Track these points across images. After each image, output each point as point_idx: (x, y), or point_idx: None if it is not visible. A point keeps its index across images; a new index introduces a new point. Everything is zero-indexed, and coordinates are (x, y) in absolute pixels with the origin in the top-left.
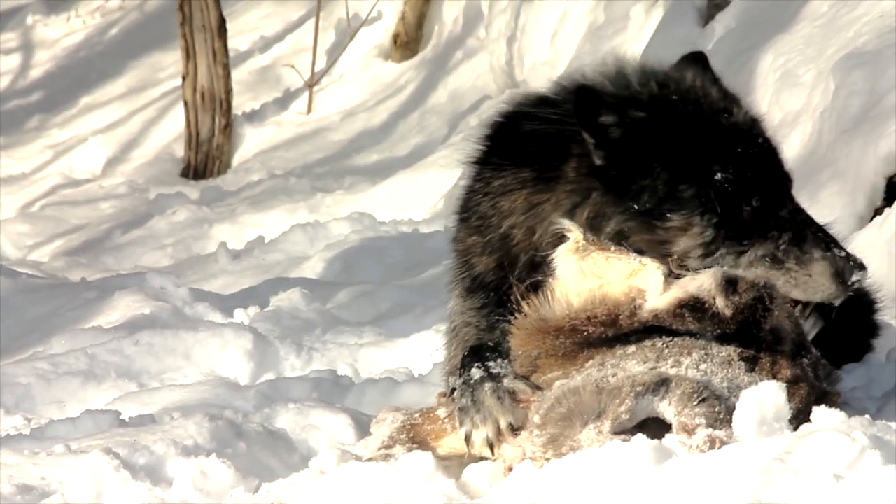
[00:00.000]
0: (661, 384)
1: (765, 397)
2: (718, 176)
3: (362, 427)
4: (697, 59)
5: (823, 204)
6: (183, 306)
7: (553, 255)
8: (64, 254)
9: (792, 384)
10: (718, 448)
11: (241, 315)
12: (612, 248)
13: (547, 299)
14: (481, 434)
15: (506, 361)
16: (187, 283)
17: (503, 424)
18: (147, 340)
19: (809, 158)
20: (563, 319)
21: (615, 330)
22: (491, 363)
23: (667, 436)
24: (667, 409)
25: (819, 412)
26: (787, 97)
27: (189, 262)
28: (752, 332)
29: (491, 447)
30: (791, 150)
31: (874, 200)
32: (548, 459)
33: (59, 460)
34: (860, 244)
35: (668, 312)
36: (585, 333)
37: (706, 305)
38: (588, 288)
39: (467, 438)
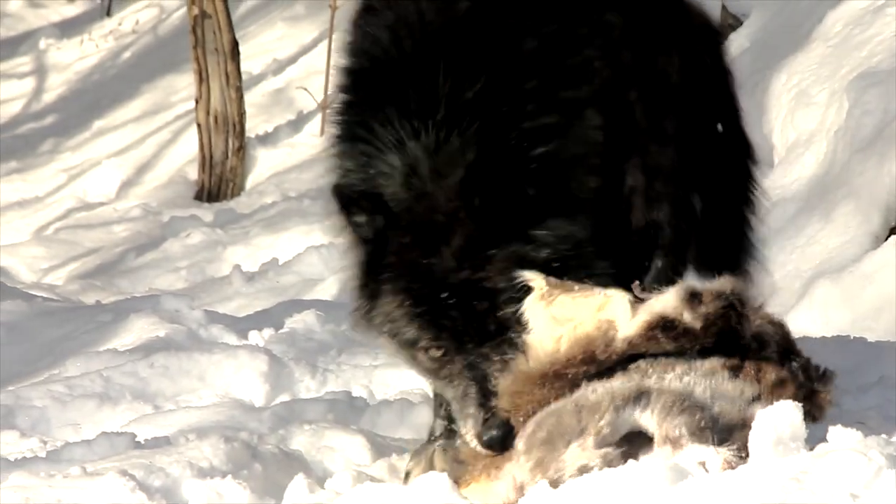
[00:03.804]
0: (641, 396)
1: (781, 417)
2: None
3: (378, 448)
4: None
5: (838, 223)
6: (198, 328)
7: (522, 309)
8: (78, 277)
9: (777, 386)
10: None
11: (255, 337)
12: (577, 288)
13: (525, 355)
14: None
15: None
16: (202, 306)
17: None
18: (162, 363)
19: (824, 178)
20: (546, 366)
21: (596, 366)
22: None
23: (685, 451)
24: (649, 420)
25: (835, 431)
26: (801, 117)
27: (203, 285)
28: (732, 342)
29: None
30: (805, 169)
31: (889, 219)
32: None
33: (75, 482)
34: (875, 263)
35: (641, 337)
36: (569, 376)
37: (676, 323)
38: (565, 333)
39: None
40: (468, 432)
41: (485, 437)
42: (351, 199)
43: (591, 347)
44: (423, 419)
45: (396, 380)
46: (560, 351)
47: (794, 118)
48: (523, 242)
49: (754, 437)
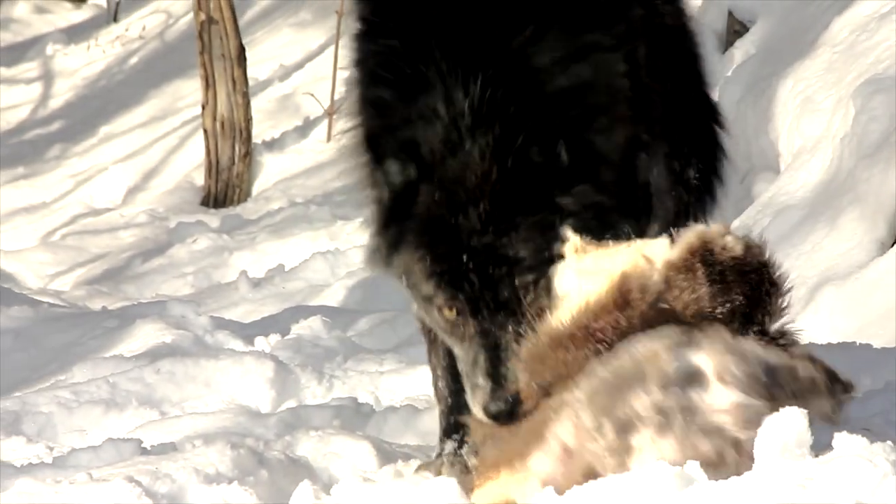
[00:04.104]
0: (686, 335)
1: (787, 423)
2: None
3: (384, 454)
4: None
5: (844, 230)
6: (204, 334)
7: (553, 271)
8: (85, 283)
9: (807, 359)
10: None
11: (262, 343)
12: (612, 244)
13: (553, 317)
14: None
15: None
16: (208, 312)
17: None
18: (168, 369)
19: (830, 184)
20: (574, 325)
21: (628, 312)
22: (466, 438)
23: (689, 463)
24: (702, 358)
25: (841, 437)
26: (807, 123)
27: (210, 291)
28: (760, 316)
29: None
30: (811, 175)
31: (895, 226)
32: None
33: (82, 489)
34: (881, 269)
35: (681, 267)
36: (598, 334)
37: (715, 253)
38: (598, 286)
39: None
40: (475, 403)
41: (491, 409)
42: (384, 147)
43: (626, 288)
44: (429, 426)
45: (402, 386)
46: (590, 303)
47: (800, 124)
48: (549, 211)
49: (760, 444)
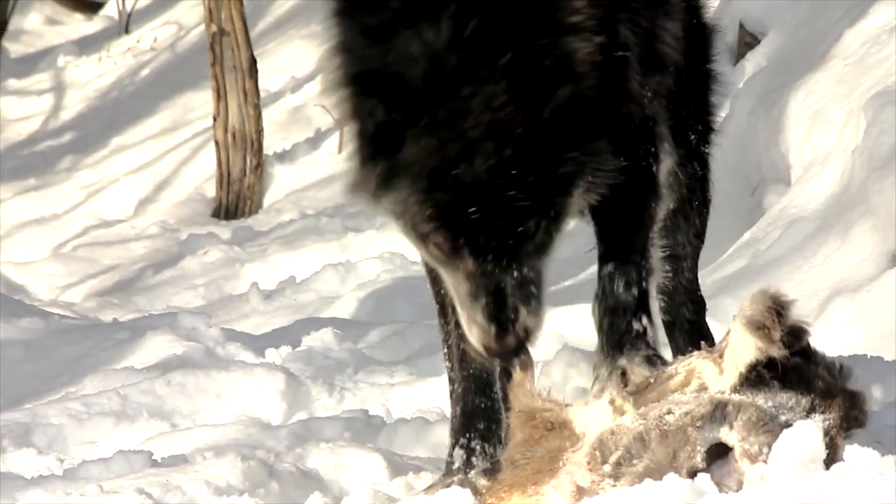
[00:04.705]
0: (718, 408)
1: (801, 438)
2: None
3: (394, 467)
4: None
5: (855, 242)
6: (215, 346)
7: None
8: (96, 294)
9: (825, 395)
10: None
11: (272, 355)
12: (652, 380)
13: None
14: None
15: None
16: (219, 324)
17: None
18: (179, 380)
19: (841, 197)
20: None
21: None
22: (475, 445)
23: (699, 475)
24: (728, 434)
25: (852, 451)
26: (818, 135)
27: (221, 303)
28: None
29: None
30: (822, 188)
31: None
32: None
33: (92, 501)
34: (892, 282)
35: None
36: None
37: (758, 365)
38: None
39: None
40: (472, 338)
41: (494, 350)
42: (368, 84)
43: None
44: (440, 437)
45: (413, 398)
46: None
47: (812, 136)
48: (556, 162)
49: (773, 457)
